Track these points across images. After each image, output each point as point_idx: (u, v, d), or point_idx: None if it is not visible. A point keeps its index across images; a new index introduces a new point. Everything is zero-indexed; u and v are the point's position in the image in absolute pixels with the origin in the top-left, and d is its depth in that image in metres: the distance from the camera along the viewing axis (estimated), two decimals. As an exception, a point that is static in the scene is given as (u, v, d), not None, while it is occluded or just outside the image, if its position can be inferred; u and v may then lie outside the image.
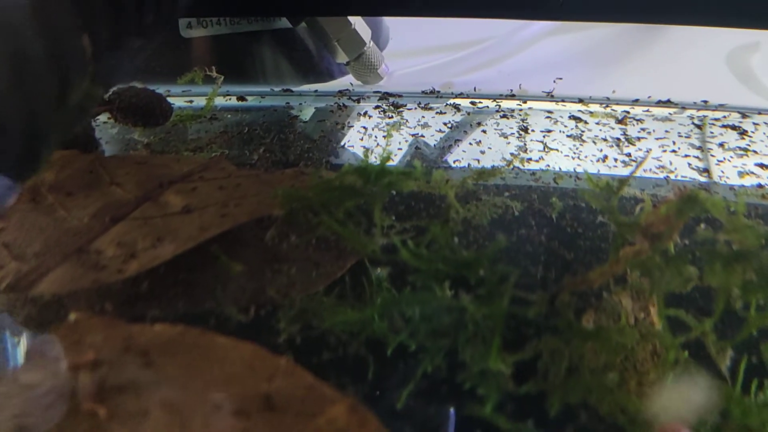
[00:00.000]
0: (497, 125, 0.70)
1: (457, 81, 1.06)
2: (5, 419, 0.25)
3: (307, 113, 0.74)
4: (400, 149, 0.63)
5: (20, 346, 0.38)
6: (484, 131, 0.67)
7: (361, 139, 0.65)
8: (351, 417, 0.26)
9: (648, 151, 0.60)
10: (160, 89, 0.77)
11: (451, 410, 0.36)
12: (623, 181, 0.41)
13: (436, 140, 0.66)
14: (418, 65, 1.15)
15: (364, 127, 0.68)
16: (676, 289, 0.36)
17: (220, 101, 0.76)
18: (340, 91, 0.81)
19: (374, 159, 0.51)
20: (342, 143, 0.65)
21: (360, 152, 0.63)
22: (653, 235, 0.35)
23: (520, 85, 0.83)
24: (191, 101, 0.75)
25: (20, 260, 0.38)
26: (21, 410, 0.25)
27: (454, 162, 0.60)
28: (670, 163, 0.61)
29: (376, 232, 0.40)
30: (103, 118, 0.66)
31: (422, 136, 0.66)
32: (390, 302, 0.39)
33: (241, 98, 0.77)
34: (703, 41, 1.10)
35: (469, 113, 0.73)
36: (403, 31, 1.08)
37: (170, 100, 0.74)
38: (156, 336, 0.30)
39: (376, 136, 0.65)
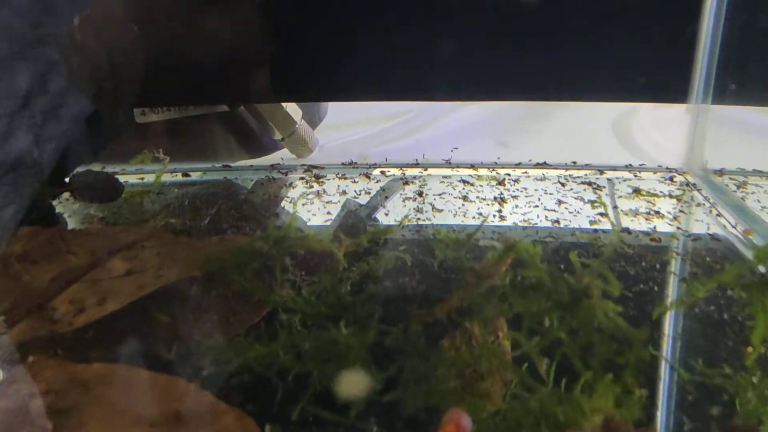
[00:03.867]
0: (402, 191, 0.79)
1: (379, 150, 1.16)
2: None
3: (247, 185, 0.82)
4: (313, 215, 0.70)
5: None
6: (386, 197, 0.76)
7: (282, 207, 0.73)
8: (237, 423, 0.33)
9: (495, 213, 0.69)
10: (117, 168, 0.84)
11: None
12: (470, 234, 0.50)
13: (359, 203, 0.74)
14: (348, 137, 1.25)
15: (287, 197, 0.76)
16: (502, 315, 0.44)
17: (168, 178, 0.83)
18: (272, 165, 0.88)
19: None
20: (272, 211, 0.72)
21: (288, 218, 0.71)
22: (482, 275, 0.43)
23: (423, 154, 0.93)
24: (143, 178, 0.82)
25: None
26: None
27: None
28: (537, 217, 0.71)
29: (277, 286, 0.47)
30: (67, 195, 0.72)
31: (346, 198, 0.75)
32: (289, 340, 0.46)
33: (185, 174, 0.84)
34: (592, 111, 1.22)
35: (378, 181, 0.82)
36: (337, 105, 1.17)
37: (125, 178, 0.81)
38: (95, 372, 0.37)
39: (294, 203, 0.73)
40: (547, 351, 0.42)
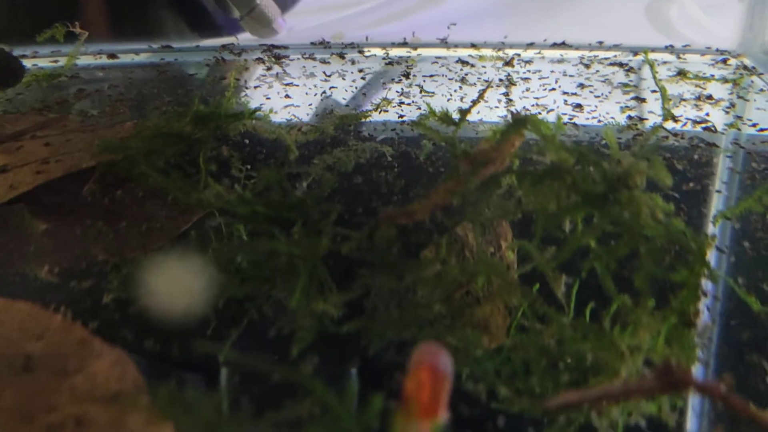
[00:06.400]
0: (385, 73, 0.68)
1: (360, 34, 1.03)
2: None
3: (196, 69, 0.70)
4: (268, 99, 0.60)
5: None
6: (363, 78, 0.65)
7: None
8: (111, 371, 0.24)
9: (486, 88, 0.59)
10: (28, 51, 0.72)
11: (353, 371, 0.33)
12: (464, 112, 0.39)
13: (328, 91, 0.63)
14: (322, 20, 1.11)
15: (237, 79, 0.65)
16: (506, 216, 0.34)
17: (91, 60, 0.72)
18: (222, 45, 0.77)
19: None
20: (215, 96, 0.61)
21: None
22: (480, 161, 0.33)
23: (413, 33, 0.81)
24: (56, 61, 0.70)
25: None
26: None
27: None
28: (554, 102, 0.60)
29: (201, 180, 0.38)
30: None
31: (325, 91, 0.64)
32: (220, 252, 0.36)
33: (111, 56, 0.72)
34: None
35: (354, 62, 0.71)
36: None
37: (35, 61, 0.69)
38: None
39: (247, 86, 0.62)
40: (568, 266, 0.33)
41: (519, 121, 0.34)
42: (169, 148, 0.38)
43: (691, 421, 0.28)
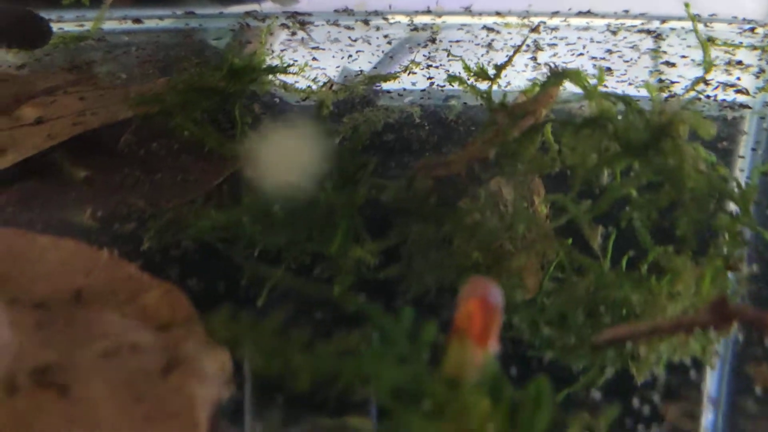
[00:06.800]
0: (410, 38, 0.68)
1: (383, 3, 1.02)
2: None
3: (224, 36, 0.70)
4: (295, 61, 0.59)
5: None
6: (389, 43, 0.65)
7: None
8: (162, 302, 0.24)
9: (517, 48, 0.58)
10: (53, 15, 0.72)
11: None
12: (500, 67, 0.39)
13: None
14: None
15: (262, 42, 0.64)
16: (543, 170, 0.34)
17: (116, 25, 0.72)
18: (246, 12, 0.76)
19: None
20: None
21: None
22: (517, 113, 0.33)
23: (437, 1, 0.80)
24: (82, 25, 0.70)
25: None
26: None
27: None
28: (582, 66, 0.60)
29: (237, 133, 0.38)
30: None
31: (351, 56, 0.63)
32: (255, 202, 0.37)
33: (136, 21, 0.72)
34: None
35: (378, 28, 0.70)
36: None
37: (61, 25, 0.70)
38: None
39: (272, 51, 0.62)
40: (606, 218, 0.33)
41: (558, 74, 0.34)
42: (204, 101, 0.38)
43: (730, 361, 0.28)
